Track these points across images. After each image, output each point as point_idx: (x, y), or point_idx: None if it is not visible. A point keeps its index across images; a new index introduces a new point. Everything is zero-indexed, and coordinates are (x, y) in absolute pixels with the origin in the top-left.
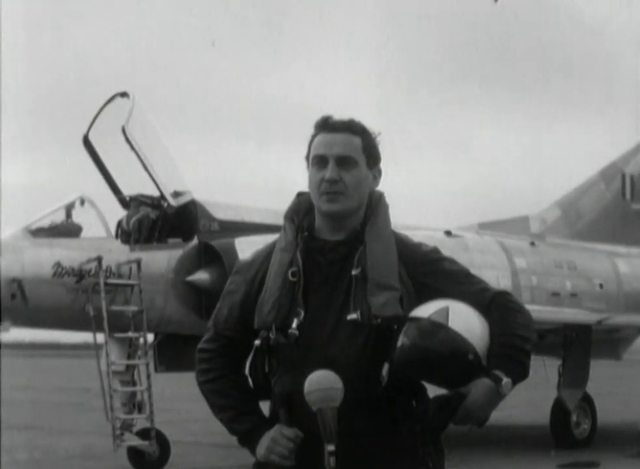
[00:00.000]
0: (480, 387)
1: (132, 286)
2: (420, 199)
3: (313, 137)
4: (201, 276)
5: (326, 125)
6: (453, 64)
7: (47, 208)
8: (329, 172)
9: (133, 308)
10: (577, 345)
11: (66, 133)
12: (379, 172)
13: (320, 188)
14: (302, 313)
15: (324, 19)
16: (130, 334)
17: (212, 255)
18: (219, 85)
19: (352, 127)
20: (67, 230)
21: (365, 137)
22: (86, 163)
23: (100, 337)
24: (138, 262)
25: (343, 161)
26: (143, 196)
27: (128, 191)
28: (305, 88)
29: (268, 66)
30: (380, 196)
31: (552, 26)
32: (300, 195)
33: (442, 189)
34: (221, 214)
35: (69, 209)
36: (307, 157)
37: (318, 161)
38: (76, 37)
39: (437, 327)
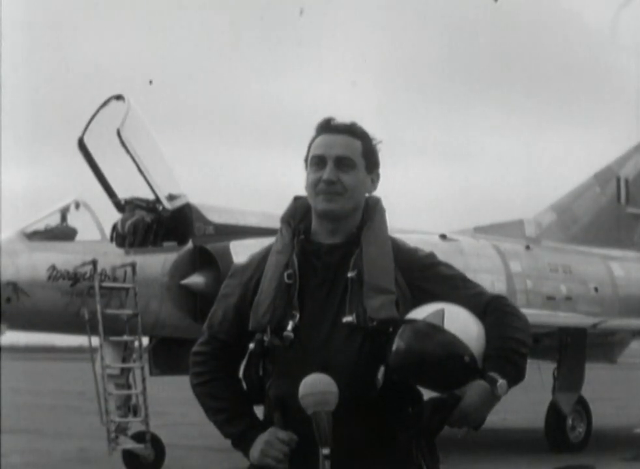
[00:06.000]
0: (475, 389)
1: (127, 289)
2: (416, 203)
3: (314, 138)
4: (196, 279)
5: (327, 126)
6: (451, 69)
7: (43, 212)
8: (327, 173)
9: (128, 311)
10: (572, 349)
11: (66, 137)
12: (377, 176)
13: (316, 188)
14: (297, 316)
15: (325, 24)
16: (125, 337)
17: (207, 259)
18: (218, 89)
19: (354, 130)
20: (62, 233)
21: (366, 141)
22: (81, 167)
23: (95, 341)
24: (133, 266)
25: (342, 163)
26: (138, 199)
27: (123, 194)
28: (305, 93)
29: (268, 70)
30: (378, 201)
31: (550, 29)
32: (296, 199)
33: (438, 193)
34: (216, 217)
35: (64, 212)
36: (306, 159)
37: (316, 162)
38: (75, 41)
39: (433, 329)
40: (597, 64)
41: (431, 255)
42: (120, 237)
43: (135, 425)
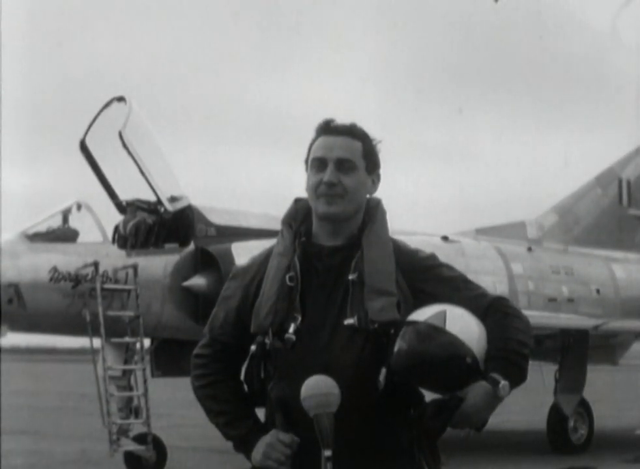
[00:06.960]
0: (477, 390)
1: (129, 291)
2: (418, 204)
3: (314, 140)
4: (198, 281)
5: (327, 128)
6: (452, 69)
7: (44, 213)
8: (327, 175)
9: (129, 313)
10: (574, 350)
11: (67, 138)
12: (378, 177)
13: (317, 191)
14: (299, 318)
15: (327, 27)
16: (127, 339)
17: (208, 260)
18: (220, 91)
19: (354, 132)
20: (64, 235)
21: (366, 142)
22: (83, 168)
23: (97, 342)
24: (135, 267)
25: (342, 165)
26: (139, 201)
27: (124, 196)
28: (306, 95)
29: (270, 72)
30: (378, 202)
31: (550, 29)
32: (297, 201)
33: (439, 195)
34: (217, 219)
35: (66, 214)
36: (306, 161)
37: (317, 164)
38: (77, 42)
39: (435, 331)
40: (598, 64)
41: (432, 257)
42: (122, 239)
43: (136, 426)
